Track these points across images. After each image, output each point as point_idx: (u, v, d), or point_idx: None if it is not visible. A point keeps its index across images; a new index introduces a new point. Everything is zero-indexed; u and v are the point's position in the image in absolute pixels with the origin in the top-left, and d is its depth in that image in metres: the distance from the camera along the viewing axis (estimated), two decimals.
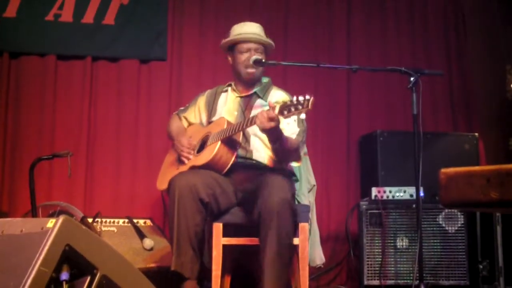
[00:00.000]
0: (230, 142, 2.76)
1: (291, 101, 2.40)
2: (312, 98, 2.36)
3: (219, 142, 2.71)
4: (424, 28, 4.39)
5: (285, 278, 2.55)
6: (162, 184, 2.98)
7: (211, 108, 3.05)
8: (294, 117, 2.44)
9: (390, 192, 3.40)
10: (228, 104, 3.01)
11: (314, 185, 3.13)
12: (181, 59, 4.05)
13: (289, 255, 2.57)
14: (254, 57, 2.88)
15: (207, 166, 2.71)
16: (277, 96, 2.92)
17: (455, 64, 4.38)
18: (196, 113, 3.11)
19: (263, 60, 2.88)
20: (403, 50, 4.32)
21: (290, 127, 2.75)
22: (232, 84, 3.06)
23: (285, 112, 2.41)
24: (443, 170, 1.32)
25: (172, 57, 4.03)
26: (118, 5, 3.94)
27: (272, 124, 2.46)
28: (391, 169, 3.60)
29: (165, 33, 4.01)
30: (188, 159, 2.85)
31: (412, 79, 2.72)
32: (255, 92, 2.97)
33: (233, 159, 2.75)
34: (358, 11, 4.32)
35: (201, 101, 3.12)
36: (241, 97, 2.99)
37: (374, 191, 3.42)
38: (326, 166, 4.07)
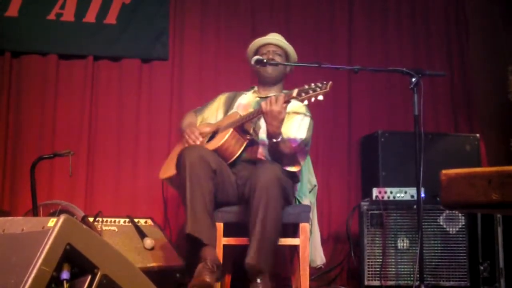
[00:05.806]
0: (241, 132, 2.80)
1: (309, 85, 2.45)
2: (330, 82, 2.43)
3: (231, 130, 2.76)
4: (426, 29, 4.39)
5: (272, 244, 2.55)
6: (165, 172, 2.96)
7: (229, 105, 3.09)
8: (307, 123, 2.48)
9: (391, 192, 3.40)
10: (247, 102, 3.06)
11: (315, 186, 3.12)
12: (182, 59, 4.05)
13: (276, 230, 2.55)
14: (256, 57, 2.89)
15: (215, 152, 2.74)
16: (294, 104, 2.90)
17: (457, 65, 4.38)
18: (213, 109, 3.13)
19: (265, 60, 2.88)
20: (405, 50, 4.32)
21: (300, 131, 2.78)
22: (255, 87, 3.13)
23: (303, 94, 2.44)
24: (444, 171, 1.32)
25: (174, 57, 4.03)
26: (120, 5, 3.94)
27: (274, 108, 2.49)
28: (392, 169, 3.60)
29: (167, 32, 4.01)
30: (195, 143, 2.85)
31: (413, 79, 2.72)
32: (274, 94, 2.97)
33: (241, 150, 2.79)
34: (360, 12, 4.32)
35: (222, 97, 3.16)
36: (260, 97, 3.04)
37: (375, 191, 3.41)
38: (327, 166, 4.07)
